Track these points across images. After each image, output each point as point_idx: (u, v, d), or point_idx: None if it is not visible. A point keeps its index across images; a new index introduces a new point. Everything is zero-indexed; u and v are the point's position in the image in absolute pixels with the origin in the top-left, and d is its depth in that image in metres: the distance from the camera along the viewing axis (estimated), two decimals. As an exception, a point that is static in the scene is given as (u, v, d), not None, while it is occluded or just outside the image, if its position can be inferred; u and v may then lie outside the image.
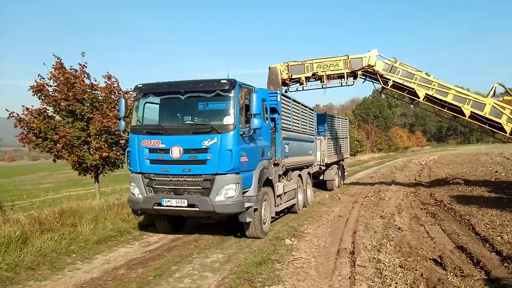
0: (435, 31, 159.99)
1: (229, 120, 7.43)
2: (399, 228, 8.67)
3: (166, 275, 6.00)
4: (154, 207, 7.61)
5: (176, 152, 7.42)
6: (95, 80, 12.06)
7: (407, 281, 5.28)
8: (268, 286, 5.28)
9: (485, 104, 14.37)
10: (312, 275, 5.82)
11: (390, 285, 5.15)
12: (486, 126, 15.06)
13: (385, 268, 5.82)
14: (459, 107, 14.60)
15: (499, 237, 7.55)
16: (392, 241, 7.48)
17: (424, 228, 8.84)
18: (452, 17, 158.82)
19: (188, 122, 8.12)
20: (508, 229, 8.20)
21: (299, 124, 11.80)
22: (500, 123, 14.35)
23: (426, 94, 14.71)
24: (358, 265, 6.01)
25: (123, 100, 8.19)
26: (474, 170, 23.76)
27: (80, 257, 7.00)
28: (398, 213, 10.56)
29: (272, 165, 9.02)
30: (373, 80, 15.61)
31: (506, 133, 14.45)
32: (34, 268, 6.32)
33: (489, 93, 14.92)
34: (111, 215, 9.40)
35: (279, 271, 5.94)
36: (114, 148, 12.18)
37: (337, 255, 6.77)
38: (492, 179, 18.31)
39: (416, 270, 5.69)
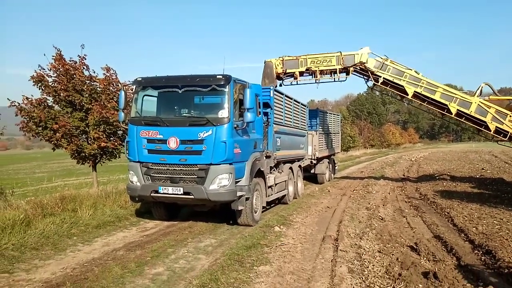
0: (429, 31, 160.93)
1: (223, 113, 7.86)
2: (382, 219, 9.21)
3: (162, 256, 6.46)
4: (152, 194, 8.04)
5: (173, 143, 7.84)
6: (94, 72, 12.39)
7: (383, 264, 5.80)
8: (257, 267, 5.76)
9: (471, 102, 14.88)
10: (298, 258, 6.32)
11: (368, 267, 5.65)
12: (472, 124, 15.62)
13: (364, 253, 6.33)
14: (446, 105, 15.13)
15: (474, 228, 8.08)
16: (374, 230, 8.01)
17: (406, 219, 9.38)
18: (446, 17, 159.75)
19: (184, 114, 8.53)
20: (484, 221, 8.74)
21: (291, 118, 12.25)
22: (485, 122, 14.90)
23: (414, 91, 15.19)
24: (340, 250, 6.52)
25: (122, 93, 8.59)
26: (461, 167, 24.45)
27: (81, 239, 7.44)
28: (383, 205, 11.10)
29: (264, 157, 9.48)
30: (364, 77, 16.07)
31: (490, 131, 15.01)
32: (38, 248, 6.75)
33: (476, 92, 15.49)
34: (109, 202, 9.82)
35: (267, 254, 6.43)
36: (111, 138, 12.53)
37: (322, 242, 7.27)
38: (477, 176, 18.96)
39: (392, 255, 6.21)
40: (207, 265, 6.00)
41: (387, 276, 5.30)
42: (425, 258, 6.10)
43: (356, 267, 5.71)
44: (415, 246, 6.71)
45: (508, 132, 14.52)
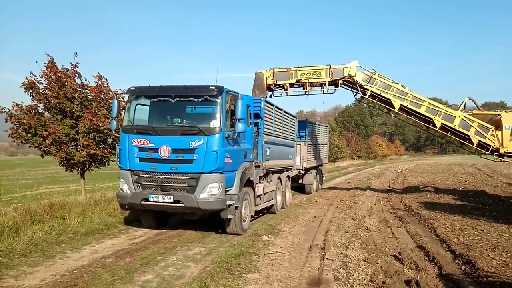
0: (419, 43, 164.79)
1: (215, 123, 8.03)
2: (367, 229, 9.43)
3: (152, 264, 6.53)
4: (142, 202, 8.12)
5: (164, 152, 7.96)
6: (85, 80, 12.45)
7: (368, 272, 5.99)
8: (246, 274, 5.89)
9: (455, 116, 15.37)
10: (286, 266, 6.47)
11: (353, 275, 5.83)
12: (455, 137, 16.11)
13: (350, 262, 6.52)
14: (431, 119, 15.59)
15: (455, 239, 8.36)
16: (360, 239, 8.21)
17: (391, 229, 9.62)
18: (432, 30, 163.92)
19: (176, 124, 8.67)
20: (466, 232, 9.04)
21: (280, 129, 12.48)
22: (468, 135, 15.39)
23: (401, 105, 15.63)
24: (327, 258, 6.70)
25: (115, 101, 8.71)
26: (445, 179, 24.98)
27: (69, 247, 7.46)
28: (369, 215, 11.34)
29: (254, 167, 9.65)
30: (352, 89, 16.47)
31: (473, 144, 15.49)
32: (26, 255, 6.75)
33: (460, 106, 16.02)
34: (97, 210, 9.85)
35: (256, 262, 6.57)
36: (101, 146, 12.56)
37: (309, 250, 7.44)
38: (460, 188, 19.44)
39: (377, 263, 6.41)
40: (197, 272, 6.10)
41: (372, 284, 5.48)
42: (408, 267, 6.31)
43: (342, 275, 5.88)
44: (398, 256, 6.94)
45: (490, 145, 15.02)
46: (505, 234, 8.82)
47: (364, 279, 5.68)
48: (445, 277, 6.02)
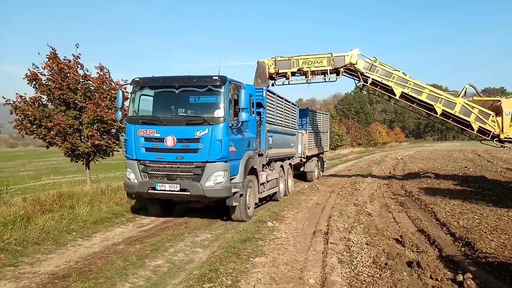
0: (420, 30, 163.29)
1: (219, 113, 8.16)
2: (369, 214, 9.65)
3: (161, 250, 6.74)
4: (149, 191, 8.30)
5: (170, 141, 8.11)
6: (87, 71, 12.53)
7: (370, 254, 6.20)
8: (253, 258, 6.10)
9: (456, 103, 15.50)
10: (291, 250, 6.68)
11: (356, 258, 6.05)
12: (456, 124, 16.26)
13: (353, 245, 6.73)
14: (432, 105, 15.71)
15: (455, 222, 8.58)
16: (362, 224, 8.43)
17: (392, 214, 9.84)
18: (431, 16, 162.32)
19: (181, 114, 8.80)
20: (465, 216, 9.25)
21: (282, 118, 12.61)
22: (468, 121, 15.54)
23: (402, 92, 15.73)
24: (330, 242, 6.91)
25: (120, 92, 8.83)
26: (445, 165, 25.20)
27: (80, 235, 7.67)
28: (370, 201, 11.55)
29: (257, 156, 9.81)
30: (354, 77, 16.55)
31: (473, 130, 15.66)
32: (39, 243, 6.96)
33: (460, 93, 16.13)
34: (105, 199, 10.04)
35: (262, 247, 6.78)
36: (105, 137, 12.70)
37: (313, 235, 7.65)
38: (460, 174, 19.66)
39: (379, 246, 6.63)
40: (205, 257, 6.31)
41: (374, 266, 5.69)
42: (409, 250, 6.53)
43: (346, 258, 6.10)
44: (400, 239, 7.15)
45: (490, 131, 15.19)
46: (504, 217, 9.04)
47: (367, 261, 5.89)
48: (445, 258, 6.24)
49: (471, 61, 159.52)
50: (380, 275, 5.26)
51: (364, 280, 5.12)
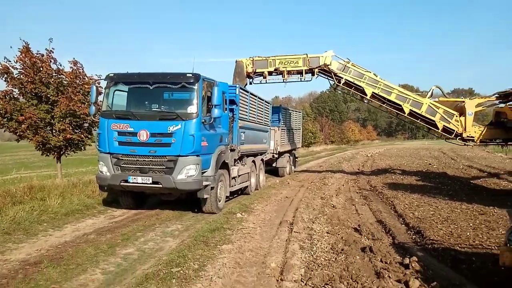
0: (396, 30, 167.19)
1: (192, 109, 8.46)
2: (333, 206, 10.21)
3: (132, 239, 7.00)
4: (121, 183, 8.51)
5: (143, 136, 8.35)
6: (61, 65, 12.49)
7: (330, 242, 6.71)
8: (220, 245, 6.47)
9: (423, 103, 16.40)
10: (257, 238, 7.10)
11: (316, 244, 6.53)
12: (423, 123, 17.17)
13: (315, 234, 7.22)
14: (401, 105, 16.53)
15: (411, 214, 9.24)
16: (326, 215, 8.96)
17: (355, 207, 10.44)
18: (404, 20, 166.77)
19: (155, 109, 9.02)
20: (422, 208, 9.94)
21: (255, 115, 12.99)
22: (434, 121, 16.45)
23: (373, 92, 16.48)
24: (294, 231, 7.38)
25: (94, 87, 8.98)
26: (411, 162, 26.35)
27: (51, 225, 7.81)
28: (336, 195, 12.15)
29: (229, 151, 10.16)
30: (328, 77, 17.16)
31: (438, 129, 16.60)
32: (10, 233, 7.08)
33: (427, 94, 17.06)
34: (76, 192, 10.16)
35: (229, 235, 7.17)
36: (77, 131, 12.72)
37: (279, 225, 8.10)
38: (424, 170, 20.70)
39: (338, 234, 7.15)
40: (175, 245, 6.62)
41: (332, 251, 6.19)
42: (365, 237, 7.08)
43: (307, 245, 6.56)
44: (358, 228, 7.71)
45: (454, 130, 16.17)
46: (457, 209, 9.79)
47: (326, 248, 6.38)
48: (397, 245, 6.82)
49: (444, 62, 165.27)
50: (336, 259, 5.75)
51: (321, 263, 5.58)
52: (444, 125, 16.28)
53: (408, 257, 5.85)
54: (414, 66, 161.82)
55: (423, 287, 4.64)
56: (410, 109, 16.42)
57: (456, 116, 16.17)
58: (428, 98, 16.67)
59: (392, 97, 16.50)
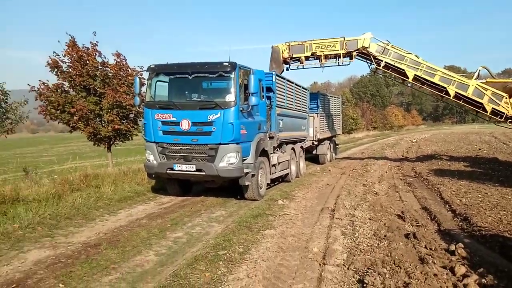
0: (429, 11, 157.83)
1: (230, 97, 8.66)
2: (376, 193, 10.09)
3: (180, 224, 7.40)
4: (167, 171, 8.94)
5: (185, 125, 8.69)
6: (105, 58, 13.13)
7: (372, 228, 6.69)
8: (263, 231, 6.68)
9: (469, 85, 15.55)
10: (299, 224, 7.23)
11: (359, 231, 6.55)
12: (470, 106, 16.33)
13: (357, 220, 7.23)
14: (445, 88, 15.80)
15: (458, 200, 8.93)
16: (368, 202, 8.90)
17: (399, 193, 10.24)
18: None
19: (195, 99, 9.33)
20: (469, 195, 9.58)
21: (292, 102, 13.01)
22: (482, 103, 15.60)
23: (415, 74, 15.84)
24: (336, 218, 7.44)
25: (137, 79, 9.43)
26: (459, 147, 25.16)
27: (106, 211, 8.40)
28: (379, 182, 11.96)
29: (268, 138, 10.31)
30: (367, 61, 16.71)
31: (487, 112, 15.73)
32: (71, 218, 7.71)
33: (473, 75, 16.14)
34: (127, 180, 10.79)
35: (272, 221, 7.36)
36: (124, 121, 13.39)
37: (321, 212, 8.17)
38: (473, 156, 19.73)
39: (381, 221, 7.11)
40: (220, 230, 6.92)
41: (374, 237, 6.19)
42: (409, 224, 6.99)
43: (349, 231, 6.61)
44: (401, 215, 7.61)
45: (504, 113, 15.24)
46: (508, 196, 9.33)
47: (368, 234, 6.38)
48: (442, 231, 6.68)
49: (491, 41, 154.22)
50: (378, 244, 5.76)
51: (363, 249, 5.62)
52: (493, 108, 15.36)
53: (454, 243, 5.74)
54: (460, 46, 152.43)
55: (469, 273, 4.56)
56: (455, 92, 15.66)
57: (506, 98, 15.19)
58: (475, 79, 15.80)
59: (435, 79, 15.76)
